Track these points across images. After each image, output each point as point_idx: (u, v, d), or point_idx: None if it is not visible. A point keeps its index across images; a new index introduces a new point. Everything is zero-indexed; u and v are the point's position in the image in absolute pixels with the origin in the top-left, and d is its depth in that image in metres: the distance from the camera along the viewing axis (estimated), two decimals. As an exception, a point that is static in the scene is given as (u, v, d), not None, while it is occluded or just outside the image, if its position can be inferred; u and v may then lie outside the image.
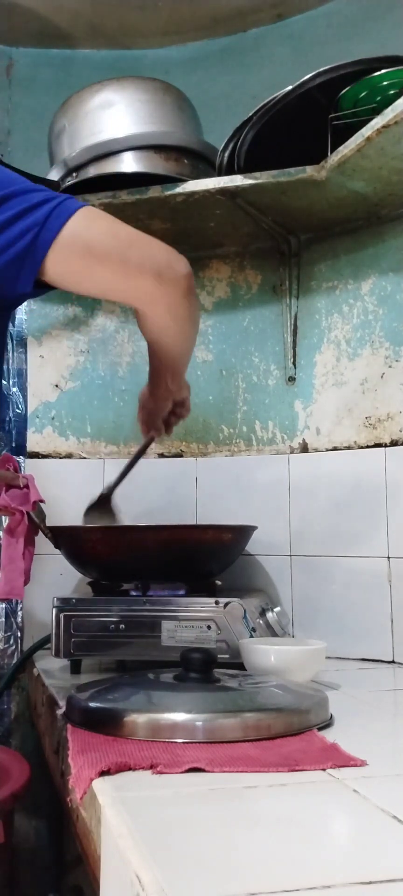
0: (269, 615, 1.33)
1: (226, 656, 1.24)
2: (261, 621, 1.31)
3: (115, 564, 1.40)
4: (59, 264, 0.96)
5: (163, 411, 1.33)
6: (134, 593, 1.36)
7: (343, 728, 0.96)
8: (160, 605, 1.30)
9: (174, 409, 1.34)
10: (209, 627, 1.27)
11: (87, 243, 0.97)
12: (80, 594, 1.45)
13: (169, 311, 1.05)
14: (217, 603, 1.28)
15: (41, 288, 1.01)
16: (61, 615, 1.33)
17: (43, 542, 1.37)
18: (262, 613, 1.33)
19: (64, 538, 1.41)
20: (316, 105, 1.38)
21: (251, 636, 1.26)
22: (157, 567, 1.37)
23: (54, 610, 1.33)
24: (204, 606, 1.28)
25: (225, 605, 1.27)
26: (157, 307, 1.04)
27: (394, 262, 1.55)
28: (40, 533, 1.35)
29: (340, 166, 1.39)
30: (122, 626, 1.30)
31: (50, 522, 1.36)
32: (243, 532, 1.49)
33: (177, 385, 1.29)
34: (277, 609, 1.34)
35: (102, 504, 1.43)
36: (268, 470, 1.68)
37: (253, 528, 1.49)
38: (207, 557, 1.41)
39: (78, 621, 1.32)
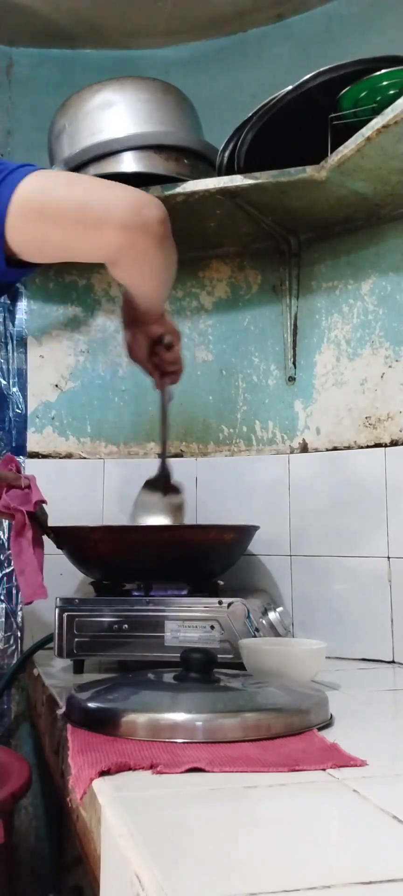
0: (272, 615, 1.33)
1: (230, 656, 1.23)
2: (264, 621, 1.31)
3: (118, 564, 1.40)
4: (16, 234, 0.90)
5: (141, 347, 1.27)
6: (136, 593, 1.36)
7: (344, 728, 0.96)
8: (163, 605, 1.30)
9: (158, 352, 1.28)
10: (212, 627, 1.27)
11: (39, 206, 0.91)
12: (83, 594, 1.45)
13: (140, 261, 0.97)
14: (220, 603, 1.28)
15: (22, 267, 0.95)
16: (64, 615, 1.33)
17: (44, 542, 1.37)
18: (265, 613, 1.33)
19: (66, 538, 1.41)
20: (316, 105, 1.38)
21: (254, 636, 1.25)
22: (160, 567, 1.37)
23: (57, 610, 1.33)
24: (207, 606, 1.28)
25: (229, 605, 1.27)
26: (126, 259, 0.96)
27: (394, 262, 1.55)
28: (42, 533, 1.35)
29: (340, 166, 1.39)
30: (125, 626, 1.30)
31: (50, 523, 1.36)
32: (245, 532, 1.49)
33: (151, 320, 1.23)
34: (280, 609, 1.34)
35: (164, 482, 1.43)
36: (268, 470, 1.68)
37: (256, 528, 1.49)
38: (210, 557, 1.41)
39: (81, 621, 1.32)
